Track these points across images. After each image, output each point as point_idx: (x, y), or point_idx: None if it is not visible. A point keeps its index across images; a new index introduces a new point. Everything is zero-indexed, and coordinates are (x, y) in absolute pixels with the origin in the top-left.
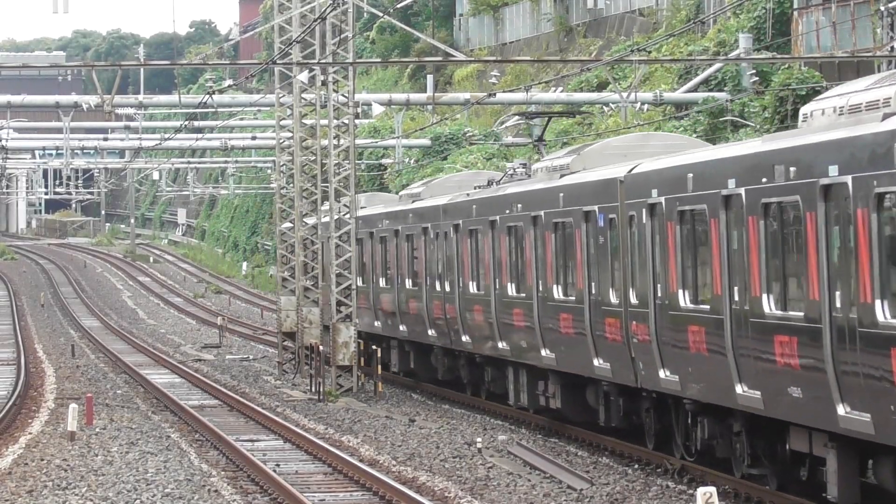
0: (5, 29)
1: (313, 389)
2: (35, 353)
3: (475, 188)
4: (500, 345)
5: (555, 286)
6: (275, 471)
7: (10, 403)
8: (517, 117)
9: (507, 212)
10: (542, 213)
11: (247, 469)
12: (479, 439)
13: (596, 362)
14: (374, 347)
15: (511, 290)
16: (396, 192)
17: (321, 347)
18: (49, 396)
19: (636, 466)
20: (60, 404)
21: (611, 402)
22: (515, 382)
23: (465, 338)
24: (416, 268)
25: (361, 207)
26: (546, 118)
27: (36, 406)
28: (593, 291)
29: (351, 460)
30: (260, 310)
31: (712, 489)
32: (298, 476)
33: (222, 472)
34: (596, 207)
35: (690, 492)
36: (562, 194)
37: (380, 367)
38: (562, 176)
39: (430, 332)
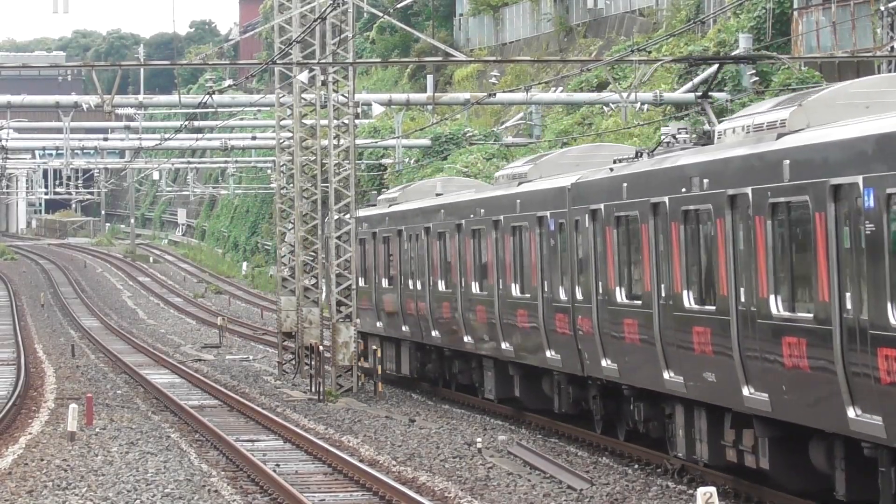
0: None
1: (313, 389)
2: (35, 353)
3: (616, 162)
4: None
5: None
6: (275, 471)
7: (10, 403)
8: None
9: (510, 213)
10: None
11: (247, 469)
12: (479, 439)
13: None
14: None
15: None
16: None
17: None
18: (49, 396)
19: (636, 466)
20: (60, 404)
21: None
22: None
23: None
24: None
25: (437, 195)
26: (716, 63)
27: (36, 406)
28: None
29: (351, 460)
30: (260, 310)
31: (712, 489)
32: (298, 476)
33: (222, 472)
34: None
35: (690, 492)
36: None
37: (379, 367)
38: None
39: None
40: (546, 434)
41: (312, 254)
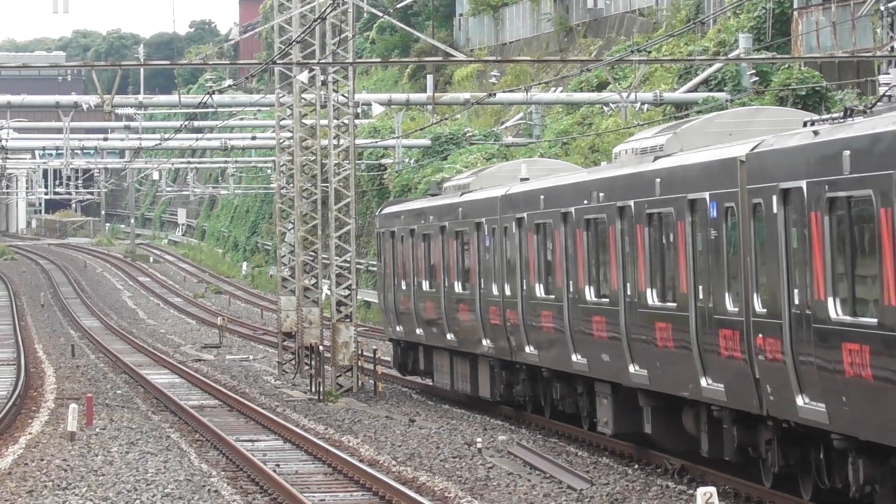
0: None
1: (313, 389)
2: (35, 353)
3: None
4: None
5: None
6: (275, 471)
7: (10, 403)
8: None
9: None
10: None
11: (247, 469)
12: (479, 439)
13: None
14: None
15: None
16: (396, 192)
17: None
18: (49, 396)
19: (636, 466)
20: (60, 404)
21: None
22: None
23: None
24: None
25: (522, 179)
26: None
27: (36, 406)
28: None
29: (351, 460)
30: (260, 310)
31: (712, 489)
32: (298, 476)
33: (222, 472)
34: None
35: (690, 492)
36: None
37: (379, 368)
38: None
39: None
40: (546, 434)
41: (312, 254)
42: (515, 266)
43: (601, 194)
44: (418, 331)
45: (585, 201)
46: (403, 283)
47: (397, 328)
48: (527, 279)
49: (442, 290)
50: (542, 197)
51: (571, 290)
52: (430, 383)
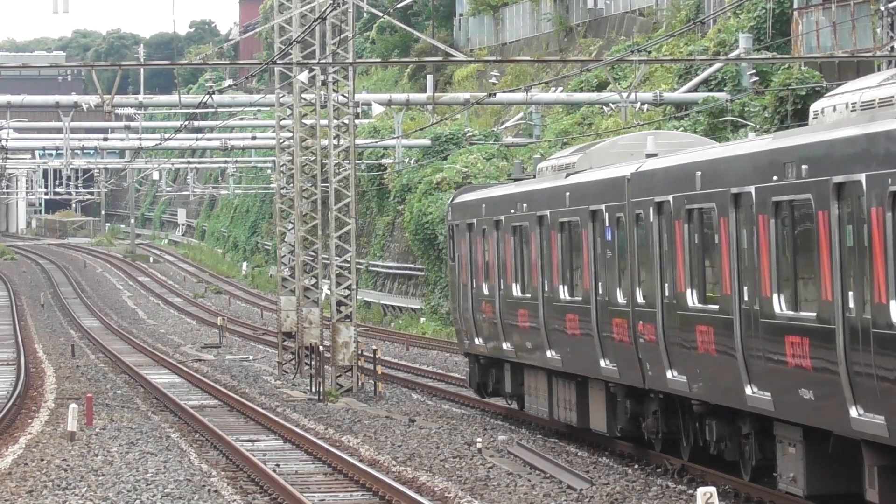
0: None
1: (313, 389)
2: (35, 353)
3: None
4: None
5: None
6: (275, 471)
7: (10, 403)
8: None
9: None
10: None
11: (247, 469)
12: (479, 439)
13: (603, 363)
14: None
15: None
16: (396, 192)
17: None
18: (49, 396)
19: (636, 466)
20: (60, 404)
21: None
22: None
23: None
24: None
25: (649, 155)
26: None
27: (36, 406)
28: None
29: (351, 460)
30: (260, 310)
31: (712, 489)
32: (298, 476)
33: (222, 472)
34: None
35: (690, 492)
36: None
37: (379, 368)
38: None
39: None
40: (546, 434)
41: (312, 254)
42: (653, 265)
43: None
44: (505, 345)
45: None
46: (485, 287)
47: (476, 341)
48: (672, 282)
49: (540, 296)
50: (698, 174)
51: (748, 298)
52: (516, 408)
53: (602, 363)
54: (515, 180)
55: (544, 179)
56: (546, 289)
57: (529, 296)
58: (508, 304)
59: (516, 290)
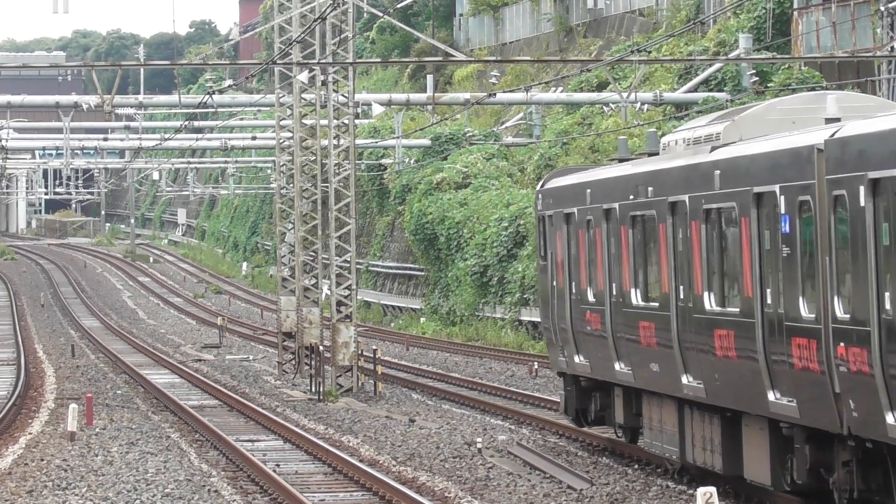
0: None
1: (313, 389)
2: (35, 353)
3: None
4: None
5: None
6: (275, 471)
7: (10, 403)
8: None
9: None
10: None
11: (247, 469)
12: (479, 439)
13: (772, 396)
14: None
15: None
16: (396, 192)
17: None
18: (49, 396)
19: (636, 466)
20: (60, 404)
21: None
22: None
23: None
24: None
25: (830, 119)
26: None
27: (36, 406)
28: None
29: (351, 460)
30: (260, 310)
31: (712, 489)
32: (298, 476)
33: (222, 472)
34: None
35: (690, 492)
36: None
37: (379, 367)
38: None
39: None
40: (546, 434)
41: (312, 254)
42: (865, 265)
43: None
44: (618, 366)
45: None
46: (591, 293)
47: (575, 358)
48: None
49: (673, 306)
50: None
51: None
52: (625, 440)
53: (771, 396)
54: (619, 161)
55: (675, 156)
56: (682, 296)
57: (656, 305)
58: (624, 315)
59: (636, 298)
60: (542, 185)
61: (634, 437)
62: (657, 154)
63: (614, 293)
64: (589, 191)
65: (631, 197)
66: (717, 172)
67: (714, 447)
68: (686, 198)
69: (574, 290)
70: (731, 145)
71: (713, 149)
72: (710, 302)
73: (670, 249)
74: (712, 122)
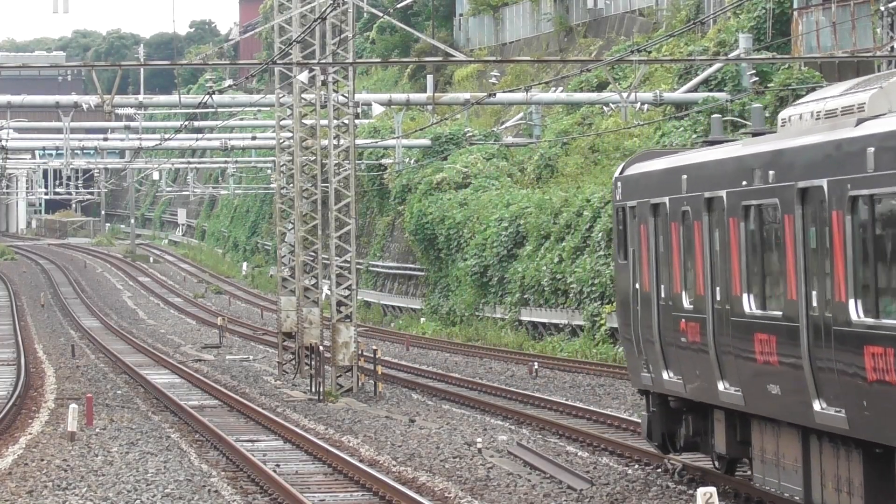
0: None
1: (313, 389)
2: (35, 354)
3: None
4: None
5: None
6: (275, 471)
7: (10, 403)
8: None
9: None
10: None
11: (247, 469)
12: (479, 439)
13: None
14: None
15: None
16: (396, 192)
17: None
18: (49, 396)
19: (636, 466)
20: (60, 404)
21: None
22: None
23: None
24: None
25: None
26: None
27: (36, 406)
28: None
29: (351, 460)
30: (260, 310)
31: (712, 489)
32: (298, 476)
33: (222, 472)
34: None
35: (690, 492)
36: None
37: (379, 367)
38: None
39: None
40: (546, 434)
41: (312, 254)
42: None
43: None
44: (723, 385)
45: None
46: (686, 298)
47: (664, 374)
48: None
49: (803, 316)
50: None
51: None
52: (722, 472)
53: None
54: (709, 143)
55: (803, 133)
56: (815, 304)
57: (778, 314)
58: (733, 326)
59: (749, 305)
60: (620, 172)
61: (731, 467)
62: (767, 133)
63: (719, 299)
64: (685, 177)
65: (744, 183)
66: (871, 150)
67: (853, 489)
68: (823, 183)
69: (664, 295)
70: (885, 117)
71: (860, 122)
72: (857, 312)
73: (799, 246)
74: (850, 91)
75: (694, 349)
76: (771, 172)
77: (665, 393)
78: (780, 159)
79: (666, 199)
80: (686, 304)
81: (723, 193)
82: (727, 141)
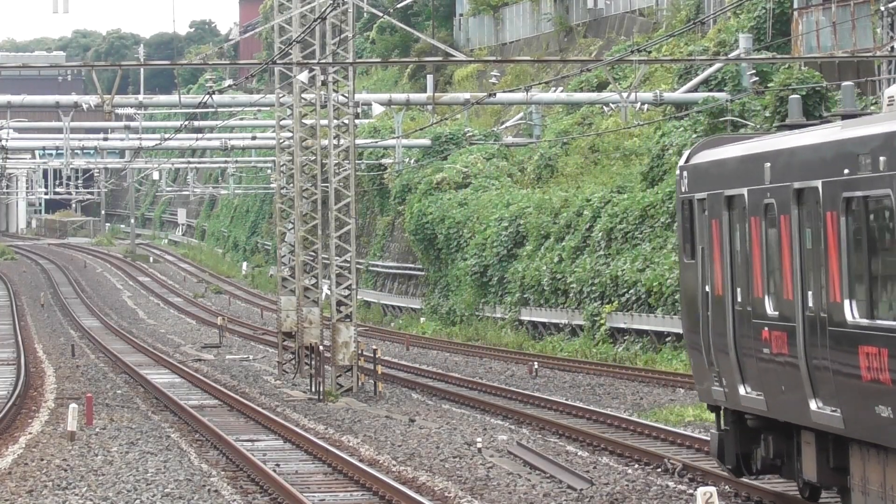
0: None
1: (313, 389)
2: (35, 353)
3: None
4: None
5: None
6: (275, 471)
7: (10, 403)
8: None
9: None
10: None
11: (247, 469)
12: (479, 439)
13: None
14: None
15: None
16: (396, 192)
17: None
18: (49, 396)
19: (636, 466)
20: (60, 404)
21: None
22: None
23: None
24: None
25: None
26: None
27: (36, 406)
28: None
29: (351, 460)
30: (260, 310)
31: (712, 489)
32: (298, 476)
33: (222, 472)
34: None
35: (690, 492)
36: None
37: (379, 367)
38: None
39: None
40: (546, 434)
41: (312, 254)
42: None
43: None
44: (816, 404)
45: None
46: (770, 304)
47: (740, 389)
48: None
49: None
50: None
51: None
52: (805, 496)
53: None
54: (786, 128)
55: None
56: None
57: (892, 324)
58: (832, 337)
59: (853, 313)
60: (686, 160)
61: (817, 494)
62: (860, 115)
63: (811, 305)
64: (768, 165)
65: (845, 171)
66: None
67: None
68: None
69: (741, 300)
70: None
71: None
72: None
73: None
74: None
75: (779, 362)
76: (882, 158)
77: (741, 410)
78: (894, 143)
79: (744, 191)
80: (770, 310)
81: (817, 184)
82: (809, 125)
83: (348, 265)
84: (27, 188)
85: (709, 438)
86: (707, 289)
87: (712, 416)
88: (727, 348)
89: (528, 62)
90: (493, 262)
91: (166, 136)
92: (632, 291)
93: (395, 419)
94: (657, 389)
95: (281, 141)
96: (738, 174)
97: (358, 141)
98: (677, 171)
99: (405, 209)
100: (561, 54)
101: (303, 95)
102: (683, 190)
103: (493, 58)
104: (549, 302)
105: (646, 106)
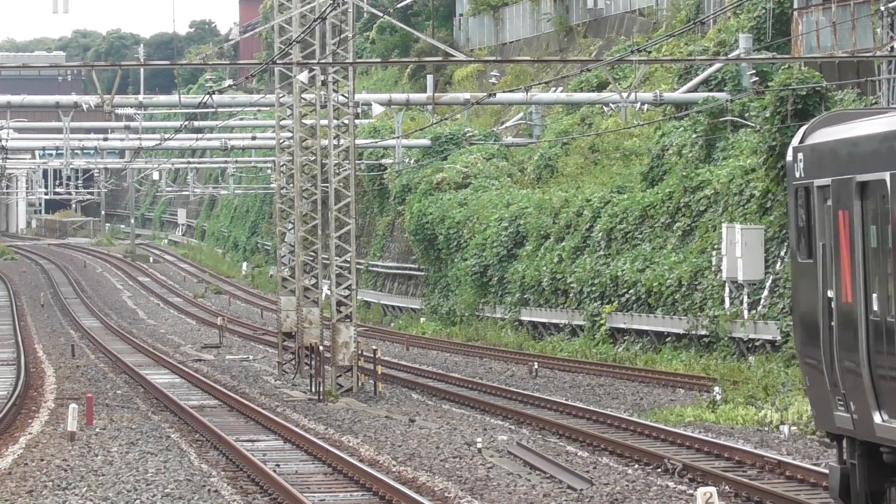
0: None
1: (313, 389)
2: (35, 353)
3: None
4: None
5: None
6: (275, 471)
7: (10, 403)
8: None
9: None
10: None
11: (247, 469)
12: (479, 439)
13: None
14: None
15: None
16: (396, 192)
17: None
18: (49, 396)
19: (636, 466)
20: (60, 404)
21: None
22: None
23: None
24: None
25: None
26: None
27: (36, 406)
28: None
29: (351, 460)
30: (260, 310)
31: (712, 489)
32: (298, 476)
33: (222, 472)
34: None
35: (690, 492)
36: None
37: (379, 367)
38: None
39: None
40: (546, 434)
41: (312, 254)
42: None
43: None
44: None
45: None
46: None
47: (875, 416)
48: None
49: None
50: None
51: None
52: None
53: None
54: None
55: None
56: None
57: None
58: None
59: None
60: (801, 140)
61: None
62: None
63: None
64: None
65: None
66: None
67: None
68: None
69: (878, 309)
70: None
71: None
72: None
73: None
74: None
75: None
76: None
77: (875, 441)
78: None
79: (885, 176)
80: None
81: None
82: None
83: (348, 265)
84: (27, 188)
85: (827, 472)
86: (830, 294)
87: (713, 415)
88: (858, 367)
89: (527, 62)
90: (493, 262)
91: (166, 136)
92: (632, 291)
93: (395, 419)
94: (657, 389)
95: (281, 141)
96: (875, 155)
97: (358, 141)
98: (789, 154)
99: (405, 209)
100: (561, 54)
101: (303, 95)
102: (798, 175)
103: (493, 58)
104: (549, 302)
105: (646, 106)
